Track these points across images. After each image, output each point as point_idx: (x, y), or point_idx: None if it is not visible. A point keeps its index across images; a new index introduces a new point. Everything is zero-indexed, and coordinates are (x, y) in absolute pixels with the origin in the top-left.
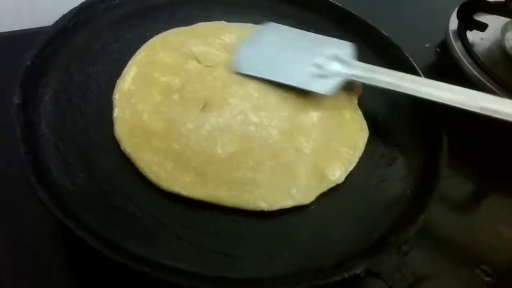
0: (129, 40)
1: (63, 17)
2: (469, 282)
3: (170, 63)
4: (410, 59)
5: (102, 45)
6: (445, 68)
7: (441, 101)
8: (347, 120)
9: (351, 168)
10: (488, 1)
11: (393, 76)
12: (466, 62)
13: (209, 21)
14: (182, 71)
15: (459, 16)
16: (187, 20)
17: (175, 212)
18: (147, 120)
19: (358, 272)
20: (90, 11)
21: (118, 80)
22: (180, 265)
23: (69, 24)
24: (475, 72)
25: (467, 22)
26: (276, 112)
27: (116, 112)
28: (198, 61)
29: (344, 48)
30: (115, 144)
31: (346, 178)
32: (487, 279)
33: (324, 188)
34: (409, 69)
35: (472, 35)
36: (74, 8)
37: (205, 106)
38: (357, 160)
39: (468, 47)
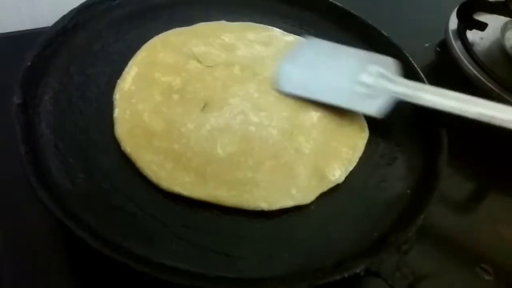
0: (129, 41)
1: (63, 17)
2: (469, 281)
3: (171, 63)
4: (410, 58)
5: (102, 46)
6: (445, 68)
7: (501, 123)
8: (347, 120)
9: (351, 168)
10: (488, 1)
11: (442, 95)
12: (466, 62)
13: (209, 21)
14: (183, 71)
15: (458, 16)
16: (188, 20)
17: (176, 212)
18: (147, 120)
19: (358, 271)
20: (90, 11)
21: (118, 80)
22: (181, 265)
23: (69, 25)
24: (475, 72)
25: (467, 22)
26: (276, 112)
27: (117, 112)
28: (199, 61)
29: (387, 65)
30: (115, 144)
31: (346, 178)
32: (487, 278)
33: (324, 188)
34: (409, 69)
35: (472, 35)
36: (74, 9)
37: (205, 106)
38: (357, 160)
39: (468, 46)
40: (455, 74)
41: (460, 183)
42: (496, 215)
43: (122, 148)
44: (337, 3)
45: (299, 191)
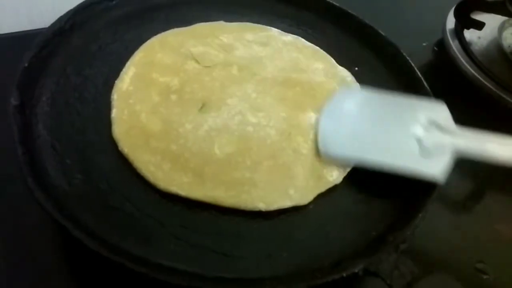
0: (127, 41)
1: (60, 18)
2: (467, 280)
3: (169, 63)
4: (408, 58)
5: (99, 46)
6: (442, 67)
7: None
8: None
9: (349, 169)
10: (485, 0)
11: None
12: (463, 61)
13: (207, 21)
14: (181, 71)
15: (456, 15)
16: (186, 21)
17: (173, 212)
18: (145, 121)
19: (356, 271)
20: (87, 12)
21: (116, 81)
22: (179, 265)
23: (66, 26)
24: (472, 71)
25: (464, 21)
26: (274, 112)
27: (114, 113)
28: (197, 62)
29: (439, 111)
30: (113, 144)
31: (344, 178)
32: (485, 277)
33: (322, 188)
34: (407, 69)
35: (469, 34)
36: (71, 10)
37: (203, 107)
38: None
39: (465, 45)
40: (452, 73)
41: (458, 182)
42: (494, 215)
43: (120, 148)
44: (334, 3)
45: (297, 191)
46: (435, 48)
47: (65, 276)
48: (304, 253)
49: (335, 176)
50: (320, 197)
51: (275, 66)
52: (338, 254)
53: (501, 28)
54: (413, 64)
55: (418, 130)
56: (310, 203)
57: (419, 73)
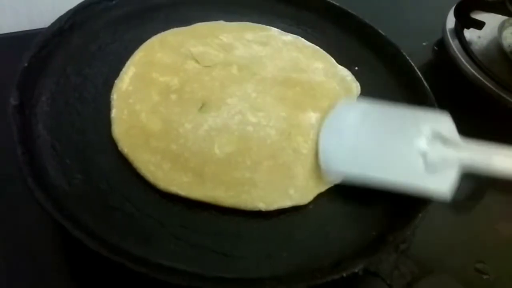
0: (126, 41)
1: (60, 18)
2: (468, 280)
3: (169, 63)
4: (408, 57)
5: (99, 46)
6: (442, 67)
7: None
8: None
9: None
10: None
11: None
12: (463, 60)
13: (207, 21)
14: (181, 71)
15: (456, 15)
16: (185, 20)
17: (173, 212)
18: (145, 120)
19: (356, 271)
20: (87, 12)
21: (116, 81)
22: (179, 265)
23: (66, 26)
24: (472, 70)
25: (464, 21)
26: (274, 112)
27: (114, 113)
28: (197, 61)
29: (443, 123)
30: (113, 144)
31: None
32: (485, 277)
33: (322, 188)
34: (407, 68)
35: (469, 33)
36: (71, 9)
37: (203, 106)
38: None
39: (465, 45)
40: (452, 73)
41: (458, 182)
42: (494, 215)
43: (120, 148)
44: (334, 3)
45: (297, 191)
46: (435, 47)
47: (65, 276)
48: (304, 253)
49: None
50: (320, 197)
51: (275, 65)
52: (338, 254)
53: (501, 27)
54: (413, 64)
55: (422, 144)
56: (310, 203)
57: (419, 72)
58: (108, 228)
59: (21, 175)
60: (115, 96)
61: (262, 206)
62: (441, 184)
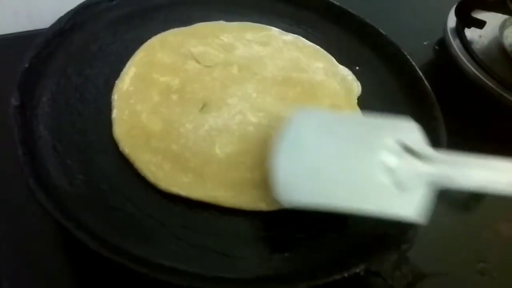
0: (127, 41)
1: (60, 19)
2: (469, 280)
3: (169, 63)
4: (409, 57)
5: (99, 47)
6: (443, 66)
7: None
8: None
9: None
10: None
11: (498, 169)
12: (464, 60)
13: (207, 21)
14: (181, 71)
15: (457, 14)
16: (186, 21)
17: (174, 212)
18: (145, 121)
19: (358, 271)
20: (87, 12)
21: (116, 81)
22: (179, 265)
23: (66, 26)
24: (473, 70)
25: (465, 20)
26: (274, 112)
27: (115, 113)
28: (197, 61)
29: (409, 132)
30: (114, 145)
31: None
32: (486, 276)
33: None
34: (408, 68)
35: (470, 33)
36: (71, 10)
37: (203, 107)
38: None
39: (466, 44)
40: (453, 72)
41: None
42: (496, 214)
43: (121, 148)
44: (335, 2)
45: None
46: (436, 47)
47: (66, 277)
48: (306, 252)
49: None
50: None
51: (276, 65)
52: (339, 254)
53: (502, 26)
54: (414, 63)
55: (389, 158)
56: None
57: (420, 72)
58: (109, 228)
59: (23, 175)
60: (116, 96)
61: (263, 206)
62: (412, 204)
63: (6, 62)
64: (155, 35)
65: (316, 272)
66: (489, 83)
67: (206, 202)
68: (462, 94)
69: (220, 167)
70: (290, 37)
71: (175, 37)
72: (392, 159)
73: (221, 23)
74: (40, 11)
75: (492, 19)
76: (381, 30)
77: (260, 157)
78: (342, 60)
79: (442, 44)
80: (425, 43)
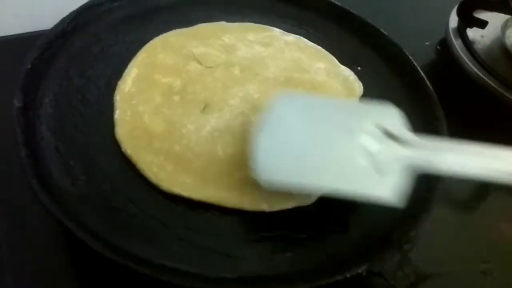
0: (129, 43)
1: (63, 20)
2: (471, 280)
3: (171, 64)
4: (410, 57)
5: (101, 48)
6: (445, 66)
7: None
8: None
9: None
10: None
11: (473, 153)
12: (466, 60)
13: (209, 22)
14: (183, 72)
15: (459, 14)
16: (187, 21)
17: (176, 213)
18: (147, 122)
19: (360, 271)
20: (90, 14)
21: (118, 82)
22: (182, 266)
23: (69, 27)
24: (475, 70)
25: (467, 20)
26: None
27: (117, 114)
28: (199, 62)
29: (389, 116)
30: (116, 145)
31: None
32: (489, 277)
33: None
34: (409, 68)
35: (472, 33)
36: (74, 11)
37: (205, 107)
38: None
39: (468, 44)
40: (455, 72)
41: (462, 182)
42: (498, 214)
43: (123, 149)
44: (336, 2)
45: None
46: (438, 47)
47: (68, 277)
48: (307, 253)
49: None
50: (323, 197)
51: (277, 66)
52: (341, 255)
53: (504, 26)
54: (415, 64)
55: (368, 142)
56: (313, 204)
57: (421, 72)
58: (111, 229)
59: (25, 176)
60: (118, 97)
61: (265, 207)
62: (389, 186)
63: (9, 63)
64: (157, 36)
65: (318, 273)
66: (491, 83)
67: (208, 203)
68: (464, 94)
69: (222, 168)
70: (291, 37)
71: (176, 38)
72: (371, 143)
73: (223, 23)
74: (42, 12)
75: (494, 19)
76: (382, 30)
77: None
78: (344, 60)
79: (444, 44)
80: (427, 43)
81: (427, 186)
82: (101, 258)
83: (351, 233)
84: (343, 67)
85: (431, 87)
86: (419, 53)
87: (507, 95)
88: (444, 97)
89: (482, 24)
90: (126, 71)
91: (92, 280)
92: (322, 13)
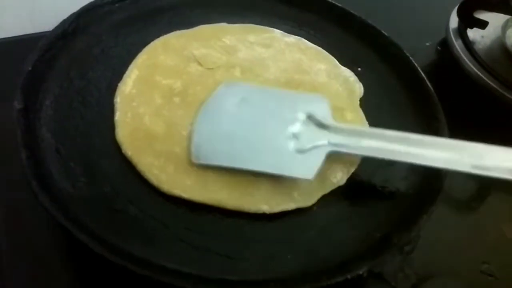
0: (129, 45)
1: (63, 22)
2: (472, 282)
3: (172, 66)
4: (411, 58)
5: (102, 50)
6: (446, 67)
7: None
8: (349, 121)
9: (353, 170)
10: None
11: (385, 138)
12: (467, 60)
13: (209, 23)
14: (184, 73)
15: (459, 14)
16: (188, 23)
17: (177, 214)
18: (148, 123)
19: (361, 272)
20: (90, 15)
21: (119, 84)
22: (182, 267)
23: (69, 29)
24: (476, 70)
25: (468, 20)
26: None
27: (118, 116)
28: (200, 64)
29: (318, 105)
30: (116, 147)
31: (348, 179)
32: (490, 278)
33: (326, 190)
34: (410, 69)
35: (473, 33)
36: (74, 13)
37: None
38: (359, 161)
39: (468, 45)
40: (456, 73)
41: (463, 182)
42: (499, 214)
43: (123, 151)
44: (336, 3)
45: (301, 193)
46: (438, 47)
47: (69, 279)
48: (308, 255)
49: (338, 177)
50: (324, 198)
51: (278, 67)
52: (342, 256)
53: (505, 27)
54: (416, 64)
55: (296, 126)
56: (314, 205)
57: (422, 73)
58: (112, 230)
59: (26, 178)
60: (118, 99)
61: (265, 208)
62: (307, 166)
63: (9, 65)
64: (158, 37)
65: (318, 274)
66: (492, 83)
67: (208, 204)
68: (465, 95)
69: (222, 170)
70: (292, 39)
71: (177, 39)
72: (297, 127)
73: (223, 25)
74: (42, 14)
75: (495, 19)
76: (383, 31)
77: None
78: (344, 61)
79: (444, 45)
80: (427, 43)
81: (428, 187)
82: (102, 259)
83: (351, 234)
84: (343, 68)
85: (431, 88)
86: (419, 54)
87: (507, 95)
88: (444, 97)
89: (483, 24)
90: (127, 72)
91: (92, 282)
92: (323, 14)
